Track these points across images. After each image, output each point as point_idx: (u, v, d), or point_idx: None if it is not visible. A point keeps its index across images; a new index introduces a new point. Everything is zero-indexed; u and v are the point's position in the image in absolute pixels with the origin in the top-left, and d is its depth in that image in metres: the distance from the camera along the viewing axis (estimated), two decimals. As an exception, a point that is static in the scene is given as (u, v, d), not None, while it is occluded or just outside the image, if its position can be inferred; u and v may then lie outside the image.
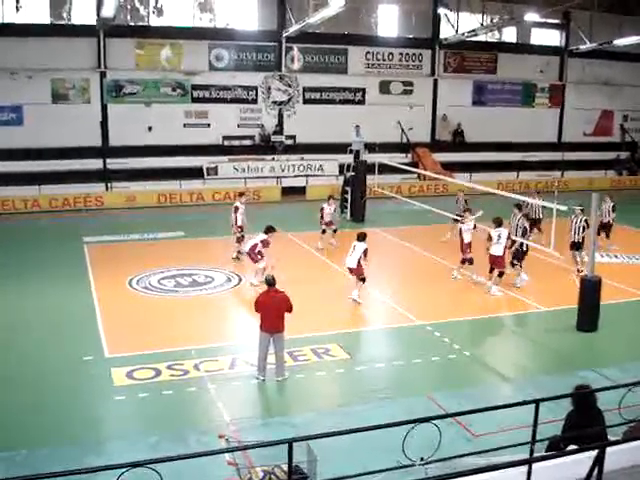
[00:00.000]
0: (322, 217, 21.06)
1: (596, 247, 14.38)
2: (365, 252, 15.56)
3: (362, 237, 15.93)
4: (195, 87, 31.66)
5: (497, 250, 16.47)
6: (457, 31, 34.42)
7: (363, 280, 15.80)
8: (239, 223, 19.25)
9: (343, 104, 34.07)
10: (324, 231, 21.09)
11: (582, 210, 18.24)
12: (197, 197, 28.95)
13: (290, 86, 33.28)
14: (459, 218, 18.89)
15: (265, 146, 32.56)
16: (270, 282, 11.48)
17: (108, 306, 15.21)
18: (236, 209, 19.29)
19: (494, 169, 33.87)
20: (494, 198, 19.14)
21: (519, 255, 17.31)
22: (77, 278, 17.40)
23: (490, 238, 16.64)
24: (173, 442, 9.17)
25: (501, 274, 16.66)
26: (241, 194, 20.53)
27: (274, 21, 32.25)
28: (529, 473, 5.39)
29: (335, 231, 21.32)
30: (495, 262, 16.62)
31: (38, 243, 21.40)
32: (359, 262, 15.58)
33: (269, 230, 16.84)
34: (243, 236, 19.13)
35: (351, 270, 15.93)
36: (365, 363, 12.42)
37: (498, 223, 16.71)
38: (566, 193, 27.06)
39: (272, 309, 11.27)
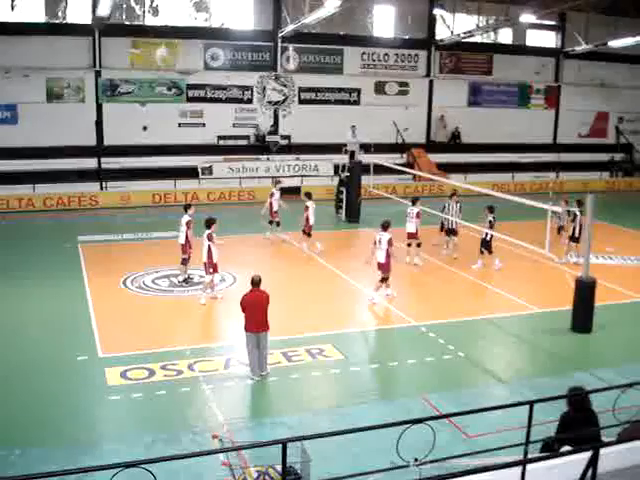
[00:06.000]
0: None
1: (586, 251, 14.35)
2: (390, 242, 15.43)
3: (386, 226, 15.70)
4: (190, 87, 31.63)
5: (380, 257, 15.63)
6: (453, 32, 34.50)
7: (385, 280, 15.64)
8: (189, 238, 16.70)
9: (339, 104, 34.10)
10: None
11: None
12: (192, 197, 28.86)
13: (285, 86, 33.27)
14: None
15: (260, 146, 32.55)
16: (256, 282, 11.43)
17: (102, 305, 15.17)
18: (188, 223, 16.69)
19: (489, 170, 33.93)
20: (489, 199, 19.14)
21: (485, 244, 18.57)
22: (71, 277, 17.35)
23: (375, 242, 15.80)
24: (167, 442, 9.15)
25: (383, 279, 15.75)
26: (188, 206, 17.40)
27: (270, 21, 32.25)
28: (523, 474, 5.39)
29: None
30: (379, 268, 15.73)
31: (32, 242, 21.34)
32: (388, 255, 15.44)
33: (210, 223, 15.56)
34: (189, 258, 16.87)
35: (380, 265, 15.63)
36: (360, 364, 12.41)
37: (383, 227, 15.82)
38: (561, 194, 27.02)
39: (258, 308, 11.26)
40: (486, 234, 18.49)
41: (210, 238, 15.39)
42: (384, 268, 15.63)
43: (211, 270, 15.57)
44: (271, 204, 21.45)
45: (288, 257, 20.30)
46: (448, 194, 21.23)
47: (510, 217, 21.59)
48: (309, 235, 20.60)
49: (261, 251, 21.11)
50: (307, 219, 20.45)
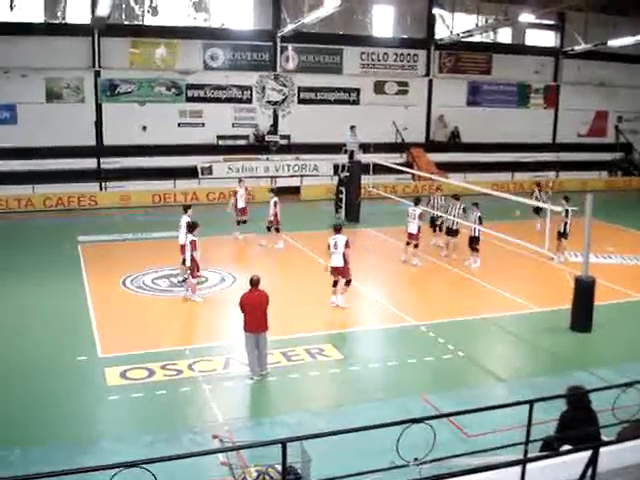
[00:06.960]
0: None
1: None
2: (347, 243, 14.91)
3: (339, 229, 15.27)
4: (190, 86, 31.61)
5: (337, 261, 15.10)
6: (452, 32, 34.48)
7: (348, 283, 15.24)
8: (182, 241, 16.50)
9: (338, 104, 34.07)
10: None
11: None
12: (191, 197, 28.83)
13: (285, 86, 33.26)
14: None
15: (259, 146, 32.54)
16: (254, 282, 11.43)
17: (102, 305, 15.17)
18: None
19: (489, 170, 33.94)
20: (488, 198, 19.16)
21: (474, 241, 18.60)
22: (71, 278, 17.34)
23: (328, 247, 15.27)
24: (167, 442, 9.15)
25: (348, 282, 15.25)
26: (188, 206, 17.52)
27: (269, 21, 32.23)
28: (523, 473, 5.39)
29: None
30: (338, 272, 15.17)
31: (32, 243, 21.32)
32: (345, 259, 14.98)
33: (193, 227, 15.70)
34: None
35: (337, 270, 15.06)
36: (359, 363, 12.41)
37: (336, 230, 15.35)
38: (560, 194, 27.00)
39: (257, 308, 11.26)
40: (478, 231, 18.48)
41: (193, 246, 15.43)
42: (344, 272, 15.11)
43: (197, 273, 15.66)
44: (236, 202, 21.65)
45: (286, 257, 20.29)
46: (442, 193, 21.27)
47: (509, 216, 21.58)
48: (277, 230, 20.77)
49: (259, 251, 21.09)
50: (275, 215, 20.55)
